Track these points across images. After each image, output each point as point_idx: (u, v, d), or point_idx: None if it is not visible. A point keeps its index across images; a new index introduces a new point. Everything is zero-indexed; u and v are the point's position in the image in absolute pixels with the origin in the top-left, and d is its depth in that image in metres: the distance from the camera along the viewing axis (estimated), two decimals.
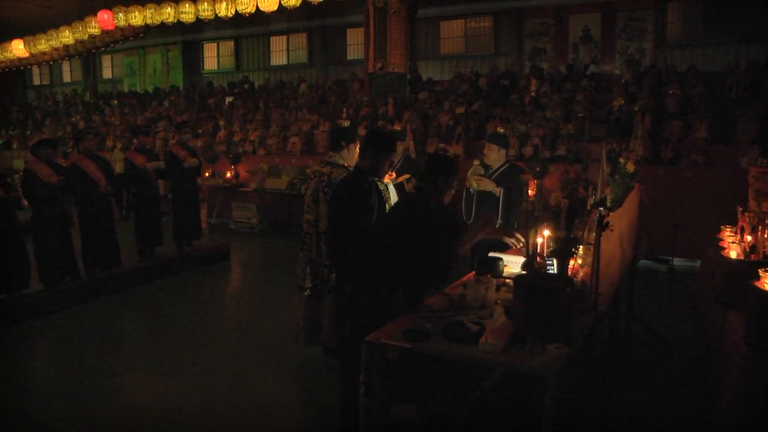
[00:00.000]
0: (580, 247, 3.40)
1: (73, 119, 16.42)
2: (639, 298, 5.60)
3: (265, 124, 12.22)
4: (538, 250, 3.56)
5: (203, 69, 19.81)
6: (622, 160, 4.14)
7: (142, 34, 13.95)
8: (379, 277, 3.24)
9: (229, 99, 15.03)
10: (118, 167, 9.90)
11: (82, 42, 13.79)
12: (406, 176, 5.15)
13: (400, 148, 5.72)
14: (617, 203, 3.77)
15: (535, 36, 14.51)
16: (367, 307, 3.28)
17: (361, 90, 12.36)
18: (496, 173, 4.99)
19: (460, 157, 9.38)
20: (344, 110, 11.55)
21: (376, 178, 3.68)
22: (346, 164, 4.16)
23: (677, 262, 7.26)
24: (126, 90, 19.48)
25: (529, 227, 3.47)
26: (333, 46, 17.41)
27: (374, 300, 3.26)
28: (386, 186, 4.30)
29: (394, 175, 4.71)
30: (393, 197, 4.20)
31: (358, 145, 3.96)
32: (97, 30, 12.96)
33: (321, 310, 4.27)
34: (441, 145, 4.92)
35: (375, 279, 3.28)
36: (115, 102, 17.24)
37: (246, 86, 15.47)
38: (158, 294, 6.75)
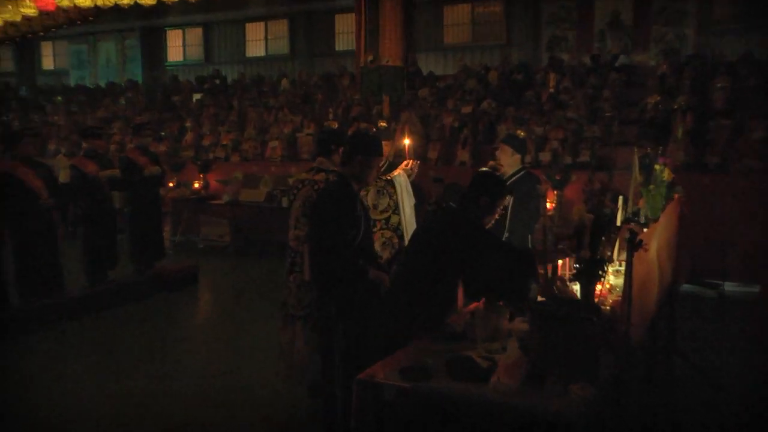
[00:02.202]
0: (609, 269, 3.41)
1: (5, 118, 16.19)
2: (681, 330, 5.58)
3: (240, 126, 12.32)
4: (559, 273, 3.56)
5: (166, 60, 19.94)
6: (657, 167, 4.17)
7: (91, 18, 13.72)
8: (398, 312, 3.34)
9: (197, 96, 15.14)
10: (63, 176, 9.85)
11: (14, 25, 12.89)
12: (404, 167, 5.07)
13: (386, 148, 5.73)
14: (653, 218, 3.78)
15: (555, 22, 14.65)
16: (358, 336, 3.33)
17: (352, 86, 12.48)
18: (509, 181, 5.04)
19: (466, 164, 9.47)
20: (332, 110, 11.65)
21: (361, 187, 3.75)
22: (335, 169, 4.26)
23: (728, 286, 7.19)
24: (72, 84, 19.41)
25: (547, 246, 3.48)
26: (319, 34, 17.56)
27: (371, 327, 3.31)
28: (392, 181, 4.37)
29: (411, 163, 4.66)
30: (404, 193, 4.27)
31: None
32: (33, 10, 11.91)
33: (317, 340, 4.27)
34: (491, 163, 5.05)
35: (392, 312, 3.38)
36: (59, 98, 17.19)
37: (217, 81, 15.58)
38: (110, 327, 6.68)
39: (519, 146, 5.11)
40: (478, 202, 3.42)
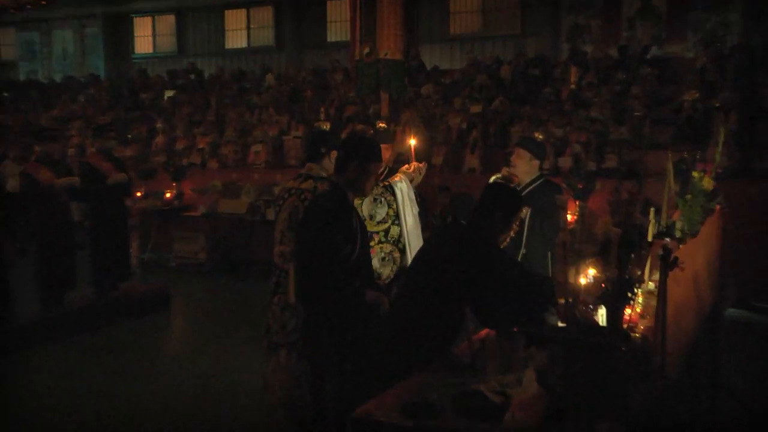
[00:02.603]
0: (639, 291, 3.42)
1: None
2: (726, 362, 5.50)
3: (219, 128, 12.36)
4: (581, 296, 3.54)
5: (133, 52, 20.03)
6: (696, 175, 4.18)
7: (44, 2, 13.67)
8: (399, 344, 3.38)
9: (169, 93, 15.19)
10: (12, 184, 9.77)
11: None
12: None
13: (386, 153, 5.77)
14: (690, 232, 3.78)
15: (576, 9, 14.69)
16: (352, 367, 3.36)
17: (347, 82, 12.52)
18: (526, 191, 5.04)
19: (476, 171, 9.51)
20: (323, 109, 11.70)
21: (358, 197, 3.79)
22: (326, 176, 4.30)
23: None
24: (22, 78, 19.45)
25: (568, 264, 3.51)
26: (308, 23, 17.64)
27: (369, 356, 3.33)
28: (391, 187, 4.41)
29: (415, 165, 4.74)
30: (406, 201, 4.32)
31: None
32: None
33: (306, 371, 4.30)
34: (506, 171, 5.11)
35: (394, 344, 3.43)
36: (6, 94, 17.16)
37: (192, 76, 15.68)
38: (64, 360, 6.56)
39: (537, 150, 5.14)
40: (492, 217, 3.48)
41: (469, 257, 3.39)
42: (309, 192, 4.24)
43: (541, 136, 5.52)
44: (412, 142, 4.76)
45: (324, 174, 4.31)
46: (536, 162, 5.10)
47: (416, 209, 4.61)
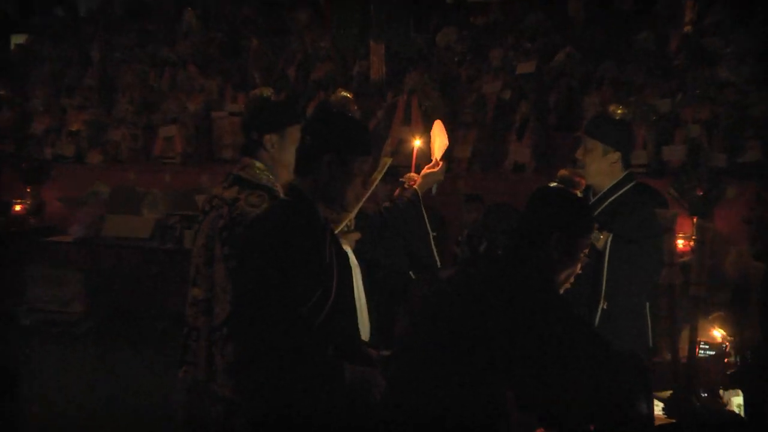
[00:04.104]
0: None
1: None
2: None
3: (105, 99, 12.31)
4: (702, 372, 3.58)
5: None
6: None
7: None
8: None
9: (17, 39, 15.25)
10: None
11: None
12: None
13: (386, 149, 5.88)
14: None
15: None
16: None
17: (317, 24, 12.52)
18: (603, 203, 5.15)
19: (527, 168, 9.66)
20: (279, 68, 11.70)
21: (336, 212, 3.90)
22: (270, 180, 4.40)
23: None
24: None
25: (679, 322, 3.56)
26: None
27: None
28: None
29: (418, 180, 5.02)
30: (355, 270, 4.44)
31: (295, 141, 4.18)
32: None
33: None
34: (566, 172, 5.40)
35: None
36: None
37: (59, 11, 15.57)
38: None
39: (616, 137, 5.20)
40: (545, 245, 3.54)
41: (511, 311, 3.41)
42: (226, 206, 4.34)
43: (621, 111, 5.41)
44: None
45: (262, 174, 4.40)
46: (615, 156, 5.15)
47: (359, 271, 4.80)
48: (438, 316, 3.70)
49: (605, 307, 4.90)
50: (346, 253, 4.05)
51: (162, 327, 9.71)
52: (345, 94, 6.13)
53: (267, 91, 4.86)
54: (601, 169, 5.14)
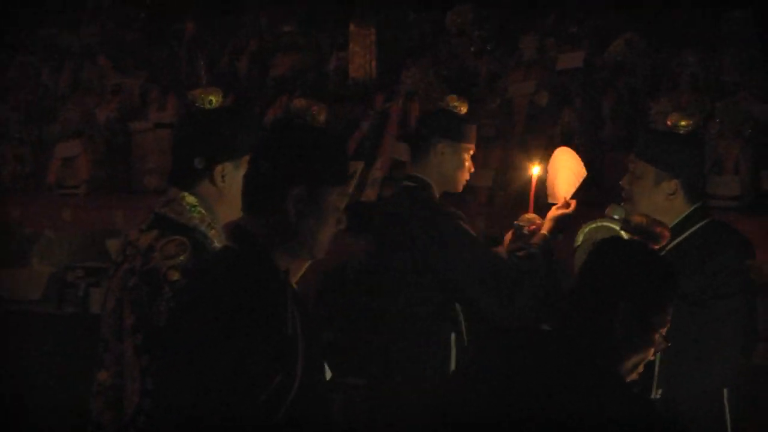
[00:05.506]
0: None
1: None
2: None
3: None
4: None
5: None
6: None
7: None
8: None
9: None
10: None
11: None
12: None
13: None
14: None
15: None
16: None
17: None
18: (666, 249, 4.92)
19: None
20: (224, 60, 10.99)
21: (301, 260, 3.60)
22: (205, 221, 4.13)
23: None
24: None
25: None
26: None
27: None
28: None
29: (542, 224, 5.61)
30: None
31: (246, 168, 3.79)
32: None
33: None
34: (639, 218, 4.50)
35: None
36: None
37: None
38: None
39: (676, 158, 5.10)
40: (610, 319, 3.30)
41: (565, 409, 3.20)
42: (139, 255, 4.01)
43: (685, 123, 5.36)
44: (535, 170, 5.54)
45: (194, 212, 4.13)
46: (672, 184, 5.02)
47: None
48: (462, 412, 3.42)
49: (658, 395, 4.75)
50: (311, 316, 3.65)
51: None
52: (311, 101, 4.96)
53: (212, 95, 4.54)
54: (654, 203, 5.00)
